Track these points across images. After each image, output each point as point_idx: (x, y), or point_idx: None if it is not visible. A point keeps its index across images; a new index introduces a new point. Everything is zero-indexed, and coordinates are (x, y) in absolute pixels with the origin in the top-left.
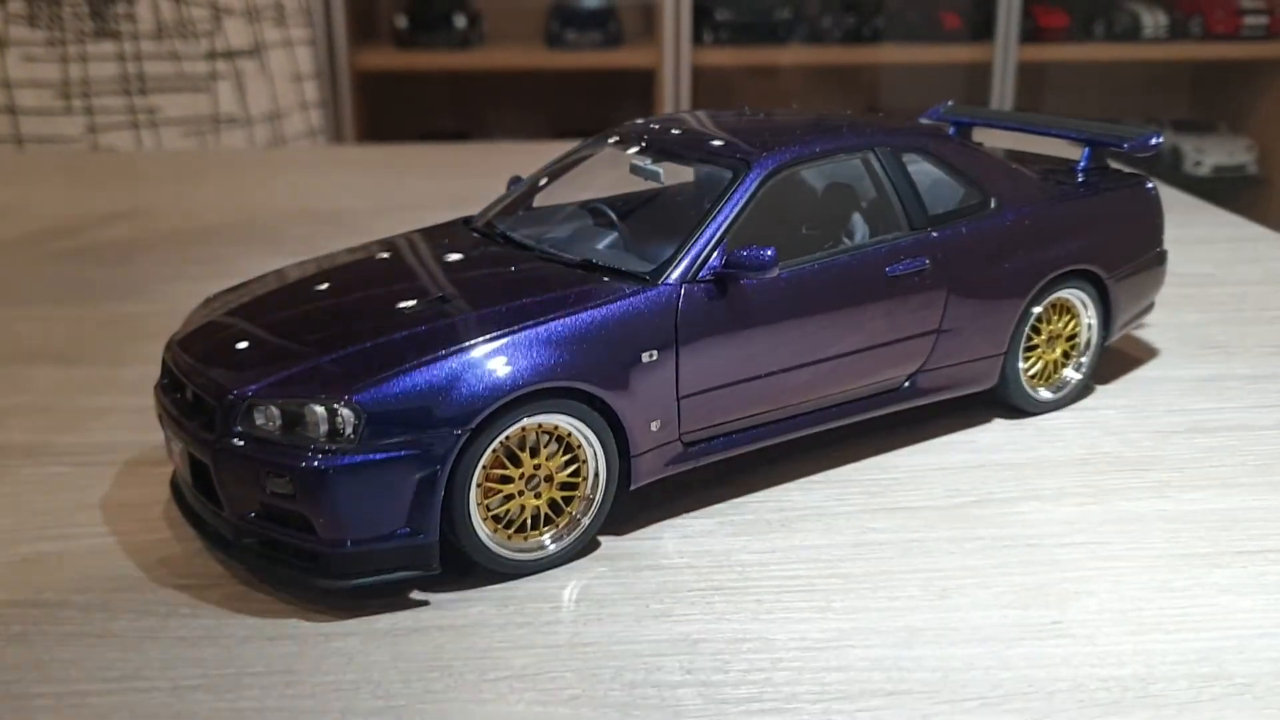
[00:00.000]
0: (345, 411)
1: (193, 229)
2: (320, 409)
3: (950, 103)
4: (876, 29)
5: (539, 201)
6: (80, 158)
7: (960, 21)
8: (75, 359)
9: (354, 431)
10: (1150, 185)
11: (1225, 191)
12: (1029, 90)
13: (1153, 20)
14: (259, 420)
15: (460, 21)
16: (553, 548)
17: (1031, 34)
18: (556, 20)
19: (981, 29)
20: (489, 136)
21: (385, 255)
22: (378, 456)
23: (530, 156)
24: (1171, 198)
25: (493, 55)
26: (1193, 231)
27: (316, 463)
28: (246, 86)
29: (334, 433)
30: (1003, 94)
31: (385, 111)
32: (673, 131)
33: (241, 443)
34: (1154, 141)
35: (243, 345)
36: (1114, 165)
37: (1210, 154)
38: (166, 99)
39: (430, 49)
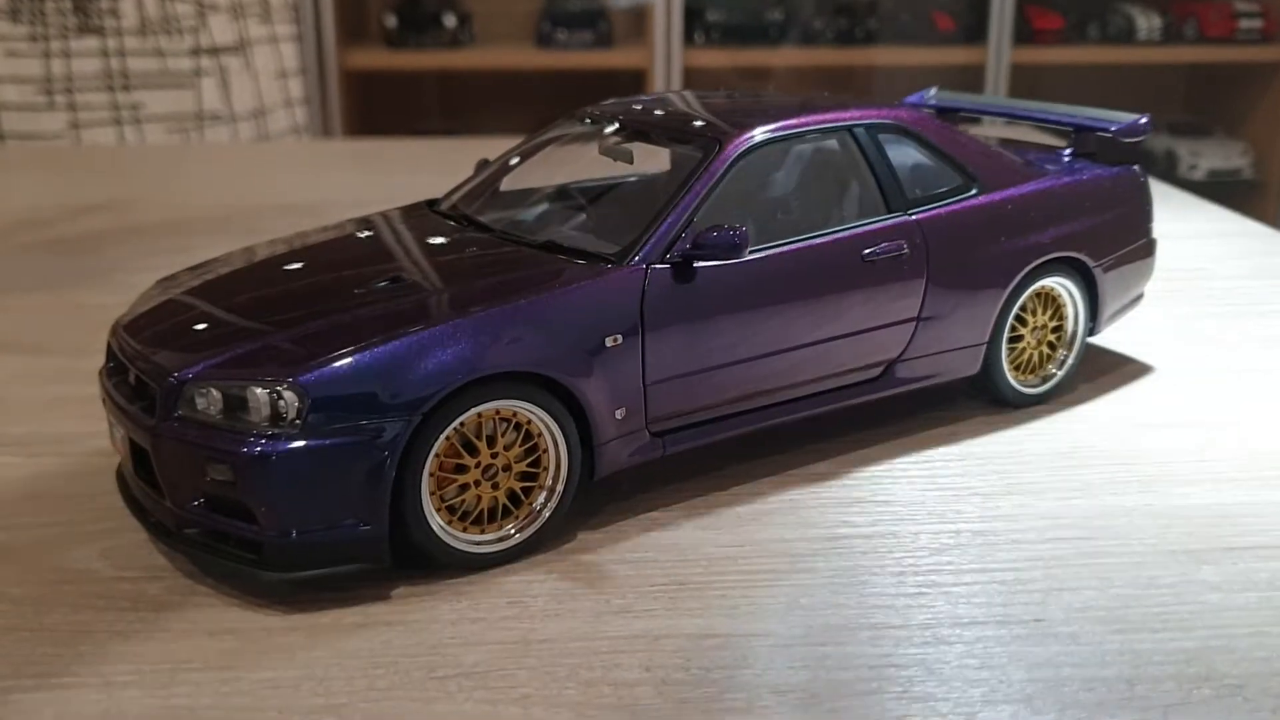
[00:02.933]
0: (288, 394)
1: (167, 221)
2: (262, 391)
3: (935, 89)
4: (869, 31)
5: (507, 182)
6: (60, 152)
7: (953, 23)
8: (36, 349)
9: (297, 415)
10: (1138, 170)
11: (1221, 196)
12: (1022, 93)
13: (1147, 23)
14: (200, 404)
15: (450, 21)
16: (511, 541)
17: (1025, 36)
18: (547, 20)
19: (975, 31)
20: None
21: (344, 236)
22: (323, 442)
23: None
24: (1164, 193)
25: (483, 55)
26: (1184, 226)
27: (257, 448)
28: (231, 83)
29: (276, 417)
30: (996, 96)
31: (374, 111)
32: (646, 111)
33: (182, 427)
34: (1143, 122)
35: (189, 326)
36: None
37: (1205, 158)
38: (150, 95)
39: (420, 49)
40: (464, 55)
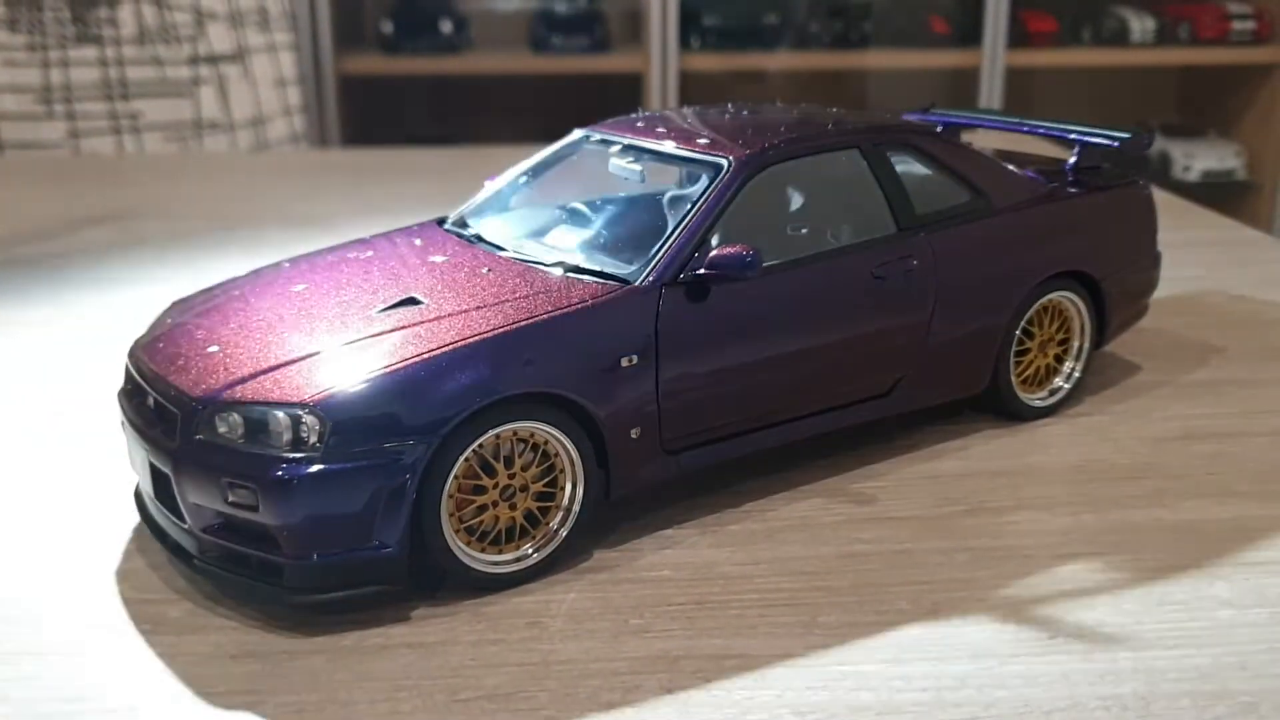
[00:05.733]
0: (309, 418)
1: (168, 232)
2: (283, 415)
3: (933, 105)
4: (864, 34)
5: (517, 201)
6: (60, 161)
7: (948, 26)
8: (43, 366)
9: (319, 439)
10: (1144, 185)
11: (1214, 197)
12: (1017, 96)
13: (1141, 25)
14: (221, 427)
15: (446, 26)
16: (528, 561)
17: (1020, 39)
18: (543, 25)
19: (969, 34)
20: (474, 142)
21: (357, 256)
22: (344, 466)
23: (515, 160)
24: (1160, 200)
25: (478, 60)
26: (1183, 235)
27: (279, 472)
28: (229, 91)
29: (298, 441)
30: (990, 99)
31: (370, 117)
32: (654, 129)
33: (203, 451)
34: (1146, 137)
35: (208, 350)
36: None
37: (1199, 159)
38: (148, 104)
39: (416, 54)
40: (459, 60)
